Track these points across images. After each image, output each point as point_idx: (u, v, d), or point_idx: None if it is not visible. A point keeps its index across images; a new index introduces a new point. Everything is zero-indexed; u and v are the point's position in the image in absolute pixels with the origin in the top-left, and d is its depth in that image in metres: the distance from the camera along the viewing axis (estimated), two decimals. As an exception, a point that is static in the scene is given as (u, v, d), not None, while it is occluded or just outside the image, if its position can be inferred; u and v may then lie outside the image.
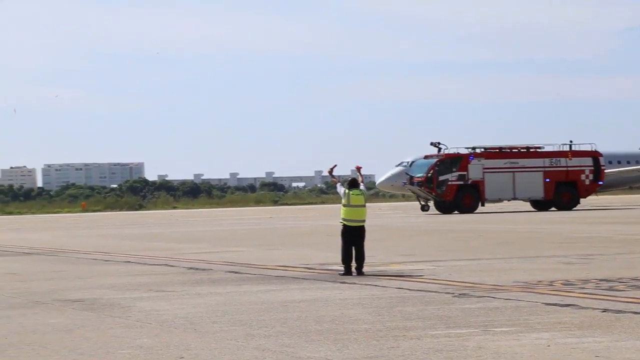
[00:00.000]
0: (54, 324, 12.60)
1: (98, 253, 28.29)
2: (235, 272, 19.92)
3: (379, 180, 69.07)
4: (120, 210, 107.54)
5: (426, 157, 60.42)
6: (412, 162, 64.23)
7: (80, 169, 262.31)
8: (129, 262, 24.19)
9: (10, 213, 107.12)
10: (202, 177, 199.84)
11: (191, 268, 21.47)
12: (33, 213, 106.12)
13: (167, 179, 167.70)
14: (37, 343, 11.03)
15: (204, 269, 21.01)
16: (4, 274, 21.27)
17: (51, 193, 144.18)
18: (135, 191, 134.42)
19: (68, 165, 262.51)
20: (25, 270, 22.60)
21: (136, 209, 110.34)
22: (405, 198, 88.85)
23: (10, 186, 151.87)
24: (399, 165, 65.86)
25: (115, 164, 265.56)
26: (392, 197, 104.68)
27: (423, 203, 61.16)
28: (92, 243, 34.91)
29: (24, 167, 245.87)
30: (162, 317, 13.05)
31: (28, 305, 14.95)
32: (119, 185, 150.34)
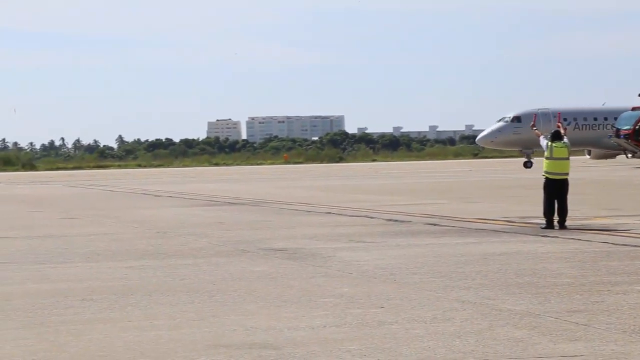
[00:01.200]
0: (259, 272, 12.97)
1: (300, 204, 28.86)
2: (435, 225, 19.91)
3: (479, 135, 67.47)
4: (320, 163, 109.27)
5: (634, 109, 58.43)
6: (515, 116, 62.65)
7: (283, 122, 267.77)
8: (329, 213, 24.57)
9: (217, 164, 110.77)
10: (402, 130, 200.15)
11: (391, 220, 21.61)
12: (238, 164, 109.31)
13: (366, 131, 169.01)
14: (243, 289, 11.39)
15: (403, 221, 21.11)
16: (212, 223, 22.03)
17: (255, 145, 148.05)
18: (336, 144, 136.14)
19: (271, 118, 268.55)
20: (232, 219, 23.33)
21: (336, 161, 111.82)
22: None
23: (217, 138, 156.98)
24: (500, 120, 64.11)
25: (316, 117, 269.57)
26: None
27: (630, 156, 59.37)
28: (294, 194, 35.65)
29: (229, 119, 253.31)
30: (362, 268, 13.22)
31: (234, 253, 15.44)
32: (319, 138, 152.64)
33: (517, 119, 62.83)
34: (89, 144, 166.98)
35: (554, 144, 18.82)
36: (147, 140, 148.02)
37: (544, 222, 18.56)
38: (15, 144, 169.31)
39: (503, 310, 9.58)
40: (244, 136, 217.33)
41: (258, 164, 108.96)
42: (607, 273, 12.03)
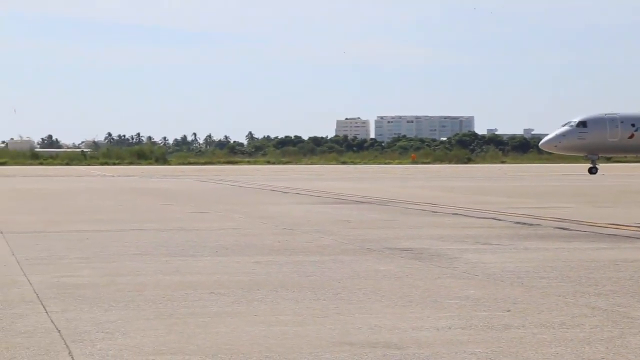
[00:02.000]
0: (384, 271, 12.96)
1: (426, 204, 28.72)
2: (564, 229, 19.54)
3: (543, 140, 65.64)
4: (449, 163, 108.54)
5: None
6: (581, 121, 60.73)
7: (411, 122, 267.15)
8: (456, 214, 24.39)
9: (344, 162, 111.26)
10: (532, 132, 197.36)
11: (519, 222, 21.31)
12: (365, 163, 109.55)
13: (496, 133, 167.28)
14: (368, 288, 11.39)
15: (531, 224, 20.79)
16: (338, 221, 22.12)
17: (383, 144, 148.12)
18: (464, 144, 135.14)
19: (400, 117, 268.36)
20: (358, 217, 23.37)
21: (464, 162, 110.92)
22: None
23: (345, 136, 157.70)
24: (565, 124, 62.05)
25: (445, 117, 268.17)
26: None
27: None
28: (420, 194, 35.50)
29: (358, 118, 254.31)
30: (488, 270, 13.06)
31: (360, 252, 15.46)
32: (448, 139, 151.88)
33: (582, 123, 61.54)
34: (219, 140, 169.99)
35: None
36: (276, 137, 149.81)
37: (679, 229, 18.03)
38: (150, 138, 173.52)
39: (635, 318, 9.34)
40: (372, 135, 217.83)
41: (385, 163, 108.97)
42: None
